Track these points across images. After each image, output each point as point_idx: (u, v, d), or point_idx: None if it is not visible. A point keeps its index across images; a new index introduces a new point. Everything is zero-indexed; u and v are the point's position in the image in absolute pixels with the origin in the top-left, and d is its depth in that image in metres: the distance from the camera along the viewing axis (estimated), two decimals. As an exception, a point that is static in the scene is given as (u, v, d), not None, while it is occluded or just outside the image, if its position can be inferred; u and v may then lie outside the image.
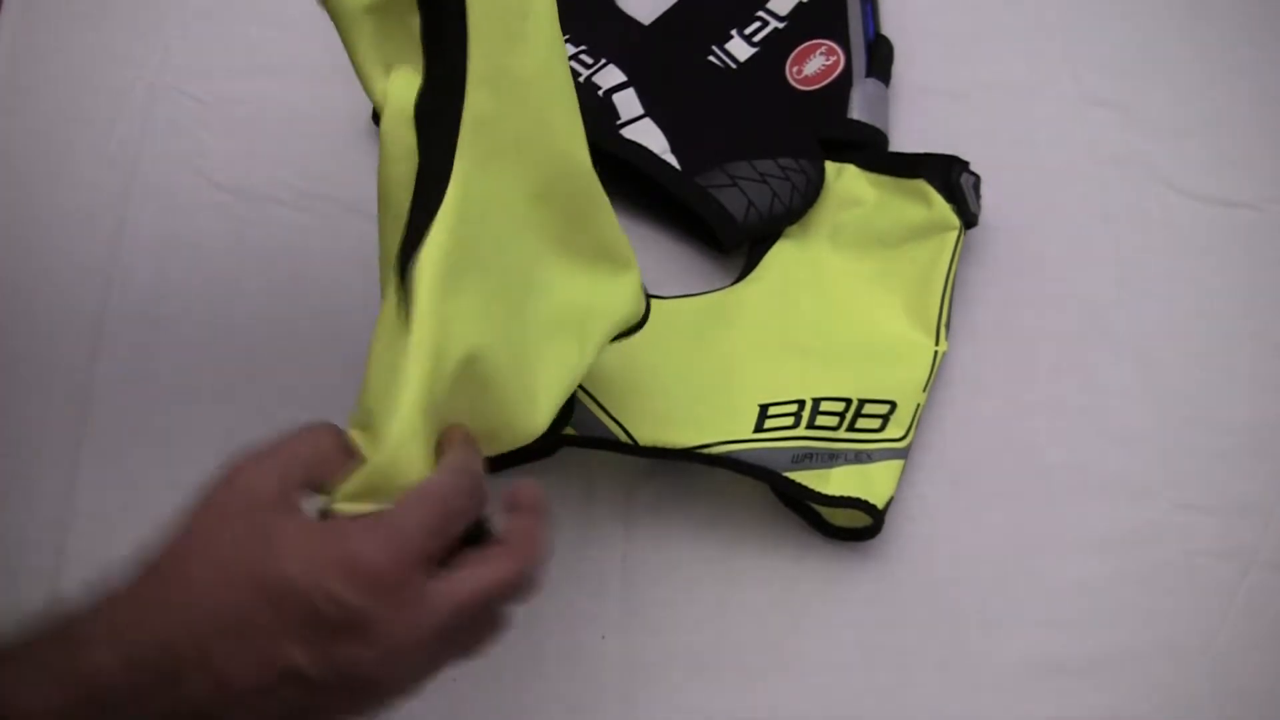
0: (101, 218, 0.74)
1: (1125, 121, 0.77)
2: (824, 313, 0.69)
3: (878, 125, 0.74)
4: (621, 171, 0.72)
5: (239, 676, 0.38)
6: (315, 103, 0.78)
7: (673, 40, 0.78)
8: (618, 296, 0.54)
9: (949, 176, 0.69)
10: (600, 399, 0.62)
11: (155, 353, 0.70)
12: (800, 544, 0.65)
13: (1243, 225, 0.74)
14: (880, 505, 0.62)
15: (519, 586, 0.43)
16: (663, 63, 0.75)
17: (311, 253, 0.73)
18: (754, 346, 0.66)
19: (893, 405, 0.64)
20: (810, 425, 0.62)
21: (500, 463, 0.67)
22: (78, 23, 0.81)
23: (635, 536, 0.65)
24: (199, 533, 0.41)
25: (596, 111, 0.72)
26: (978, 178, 0.70)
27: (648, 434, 0.61)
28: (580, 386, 0.61)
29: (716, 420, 0.62)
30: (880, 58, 0.76)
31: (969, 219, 0.69)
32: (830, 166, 0.72)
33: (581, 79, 0.74)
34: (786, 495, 0.64)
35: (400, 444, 0.42)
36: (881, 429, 0.63)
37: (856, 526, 0.63)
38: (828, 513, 0.64)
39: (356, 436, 0.43)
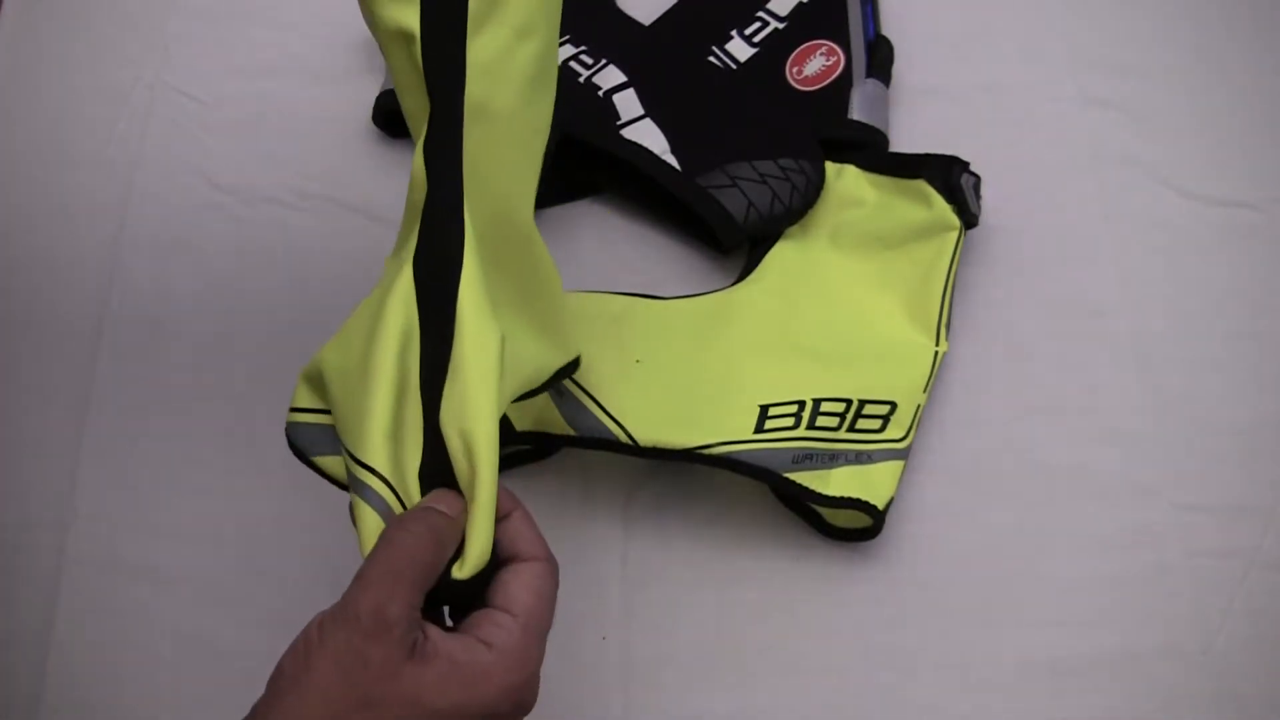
0: (101, 218, 0.74)
1: (1125, 121, 0.77)
2: (824, 313, 0.69)
3: (878, 126, 0.74)
4: (621, 172, 0.72)
5: None
6: (315, 103, 0.78)
7: (673, 40, 0.78)
8: (527, 355, 0.53)
9: (949, 177, 0.69)
10: (600, 399, 0.62)
11: (155, 353, 0.70)
12: (800, 544, 0.65)
13: (1243, 225, 0.74)
14: (880, 506, 0.62)
15: (555, 588, 0.47)
16: (663, 63, 0.76)
17: (311, 253, 0.73)
18: (754, 347, 0.66)
19: (893, 406, 0.64)
20: (810, 426, 0.62)
21: (500, 463, 0.67)
22: (78, 23, 0.81)
23: (635, 537, 0.65)
24: (318, 682, 0.40)
25: (596, 112, 0.72)
26: (978, 178, 0.70)
27: (648, 434, 0.61)
28: (580, 387, 0.61)
29: (716, 421, 0.62)
30: (880, 58, 0.76)
31: (969, 219, 0.69)
32: (830, 167, 0.72)
33: (581, 79, 0.74)
34: (787, 496, 0.64)
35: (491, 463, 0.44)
36: (882, 429, 0.63)
37: (857, 527, 0.63)
38: (828, 513, 0.64)
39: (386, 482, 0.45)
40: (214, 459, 0.68)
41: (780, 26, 0.77)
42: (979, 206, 0.70)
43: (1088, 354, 0.70)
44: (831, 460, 0.62)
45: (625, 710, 0.61)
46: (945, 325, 0.67)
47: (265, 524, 0.65)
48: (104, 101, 0.78)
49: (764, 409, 0.63)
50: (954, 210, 0.68)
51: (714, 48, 0.77)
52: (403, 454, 0.45)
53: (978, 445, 0.67)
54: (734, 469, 0.61)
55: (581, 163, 0.73)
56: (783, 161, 0.70)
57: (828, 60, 0.76)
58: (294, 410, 0.50)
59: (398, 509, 0.45)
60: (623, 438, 0.61)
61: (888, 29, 0.79)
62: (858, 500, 0.61)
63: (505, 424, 0.63)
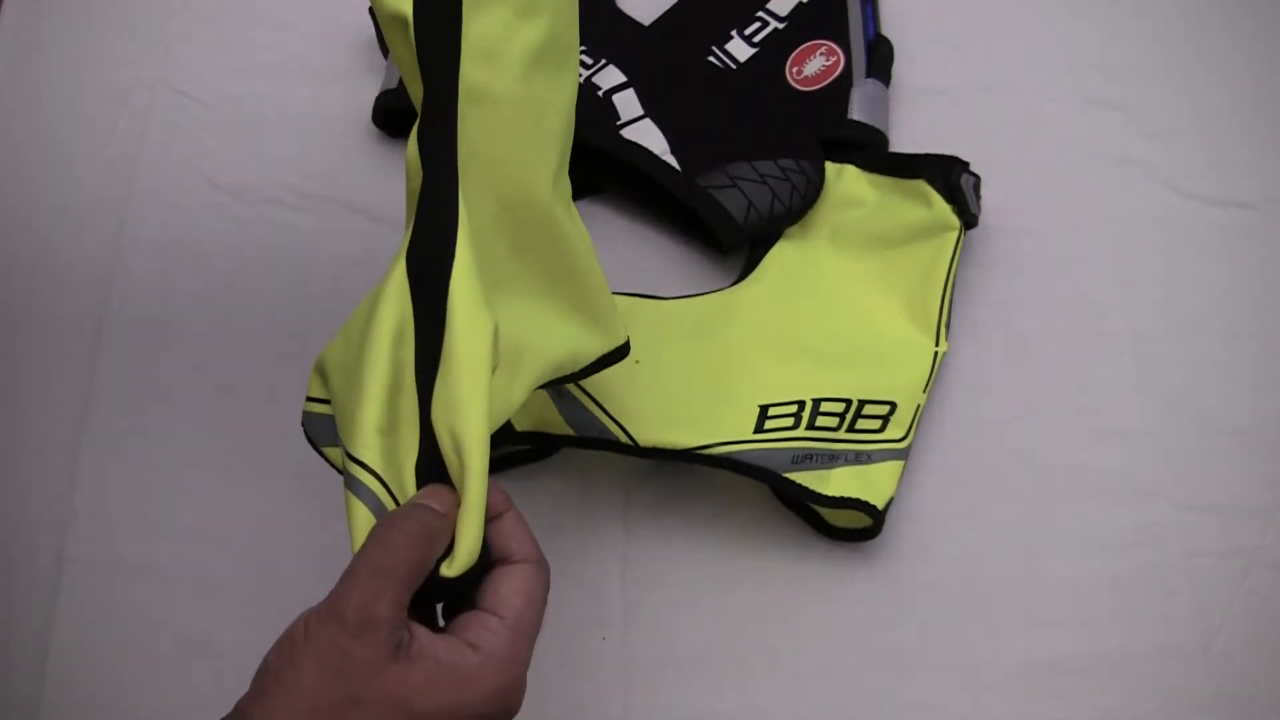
0: (101, 218, 0.74)
1: (1125, 121, 0.77)
2: (824, 313, 0.69)
3: (878, 126, 0.74)
4: (621, 172, 0.72)
5: None
6: (315, 103, 0.78)
7: (673, 40, 0.78)
8: (555, 339, 0.52)
9: (949, 177, 0.69)
10: (600, 400, 0.62)
11: (155, 353, 0.70)
12: (800, 544, 0.65)
13: (1243, 225, 0.74)
14: (880, 506, 0.62)
15: (546, 592, 0.46)
16: (663, 63, 0.75)
17: (311, 253, 0.73)
18: (754, 347, 0.66)
19: (893, 406, 0.64)
20: (810, 426, 0.62)
21: (498, 464, 0.67)
22: (78, 23, 0.81)
23: (635, 537, 0.65)
24: (302, 683, 0.40)
25: (596, 112, 0.72)
26: (978, 178, 0.70)
27: (648, 435, 0.61)
28: (580, 387, 0.61)
29: (716, 421, 0.62)
30: (880, 58, 0.76)
31: (969, 219, 0.69)
32: (830, 167, 0.72)
33: (582, 79, 0.74)
34: (786, 496, 0.64)
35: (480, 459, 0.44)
36: (882, 430, 0.63)
37: (857, 527, 0.63)
38: (828, 513, 0.64)
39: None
40: (214, 459, 0.68)
41: (780, 26, 0.77)
42: (979, 206, 0.70)
43: (1088, 354, 0.70)
44: (831, 460, 0.62)
45: (625, 710, 0.61)
46: (945, 325, 0.67)
47: (265, 524, 0.65)
48: (104, 101, 0.78)
49: (764, 409, 0.63)
50: (954, 210, 0.68)
51: (714, 48, 0.77)
52: (398, 449, 0.44)
53: (978, 445, 0.67)
54: (734, 469, 0.61)
55: (581, 163, 0.72)
56: (783, 162, 0.70)
57: (828, 60, 0.76)
58: (308, 400, 0.50)
59: (390, 505, 0.44)
60: (623, 438, 0.61)
61: (888, 29, 0.79)
62: (857, 500, 0.61)
63: (505, 424, 0.63)
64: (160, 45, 0.80)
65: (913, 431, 0.64)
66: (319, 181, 0.75)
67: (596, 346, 0.54)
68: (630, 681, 0.62)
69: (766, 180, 0.70)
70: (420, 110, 0.47)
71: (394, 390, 0.45)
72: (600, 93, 0.73)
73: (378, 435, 0.44)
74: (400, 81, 0.75)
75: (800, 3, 0.78)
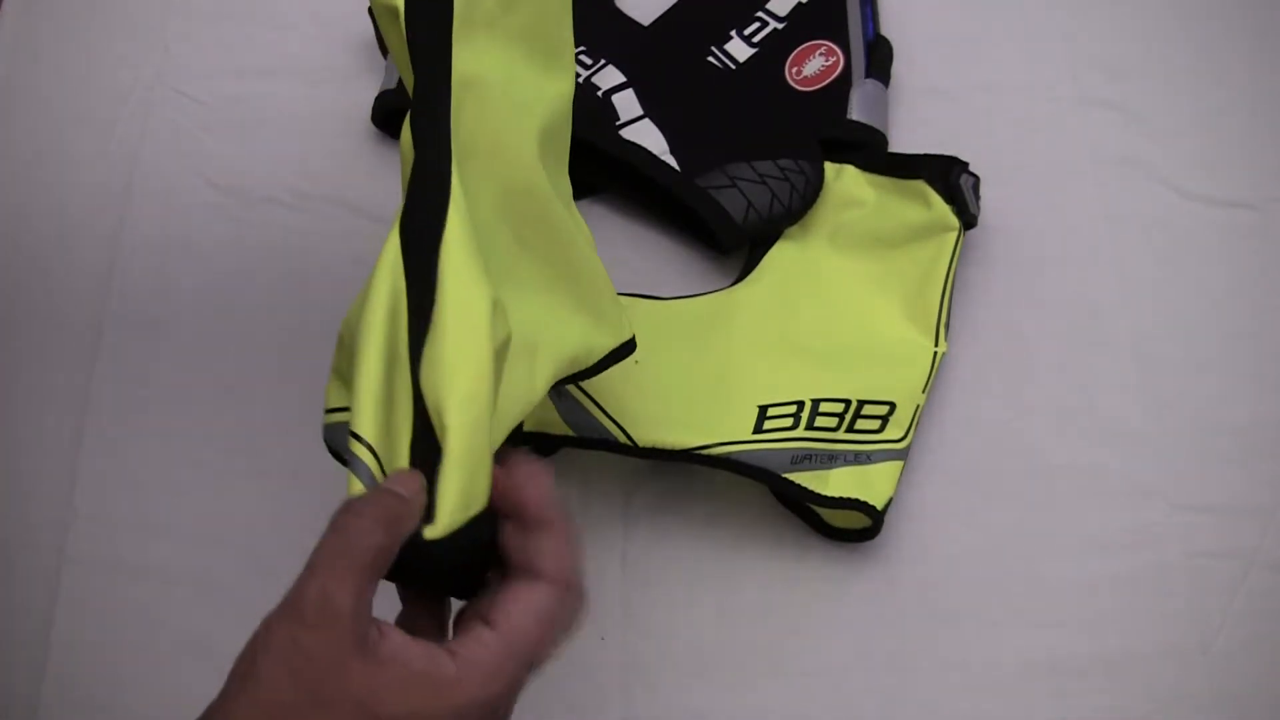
0: (101, 218, 0.74)
1: (1125, 121, 0.77)
2: (823, 314, 0.69)
3: (877, 126, 0.74)
4: (621, 172, 0.72)
5: None
6: (315, 103, 0.78)
7: (672, 41, 0.78)
8: (567, 333, 0.51)
9: (949, 177, 0.69)
10: (599, 400, 0.62)
11: (155, 353, 0.70)
12: (800, 545, 0.65)
13: (1243, 225, 0.74)
14: (880, 506, 0.62)
15: (569, 621, 0.42)
16: (662, 63, 0.75)
17: (311, 253, 0.73)
18: (753, 347, 0.66)
19: (892, 406, 0.64)
20: (809, 426, 0.62)
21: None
22: (78, 23, 0.81)
23: (634, 537, 0.65)
24: (268, 683, 0.38)
25: (596, 112, 0.72)
26: (977, 178, 0.70)
27: (646, 435, 0.61)
28: (579, 387, 0.61)
29: (715, 421, 0.62)
30: (880, 58, 0.76)
31: (969, 220, 0.69)
32: (830, 167, 0.72)
33: (581, 79, 0.74)
34: (786, 496, 0.64)
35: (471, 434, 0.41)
36: (881, 430, 0.63)
37: (856, 527, 0.63)
38: (827, 514, 0.64)
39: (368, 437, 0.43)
40: (214, 459, 0.68)
41: (780, 26, 0.77)
42: (978, 207, 0.70)
43: (1087, 354, 0.70)
44: (830, 460, 0.62)
45: (625, 710, 0.61)
46: (945, 325, 0.67)
47: (265, 524, 0.65)
48: (104, 101, 0.78)
49: (763, 409, 0.63)
50: (953, 210, 0.68)
51: (713, 48, 0.77)
52: (395, 424, 0.42)
53: (978, 445, 0.67)
54: (733, 469, 0.61)
55: (581, 163, 0.72)
56: (782, 162, 0.70)
57: (827, 60, 0.76)
58: (327, 411, 0.48)
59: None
60: (622, 438, 0.61)
61: (888, 29, 0.79)
62: (857, 500, 0.61)
63: None
64: (160, 45, 0.80)
65: (912, 432, 0.64)
66: (319, 181, 0.75)
67: (605, 342, 0.53)
68: (630, 681, 0.62)
69: (766, 180, 0.70)
70: (412, 97, 0.46)
71: (390, 364, 0.43)
72: (600, 93, 0.73)
73: (376, 408, 0.42)
74: (400, 81, 0.75)
75: (800, 3, 0.78)
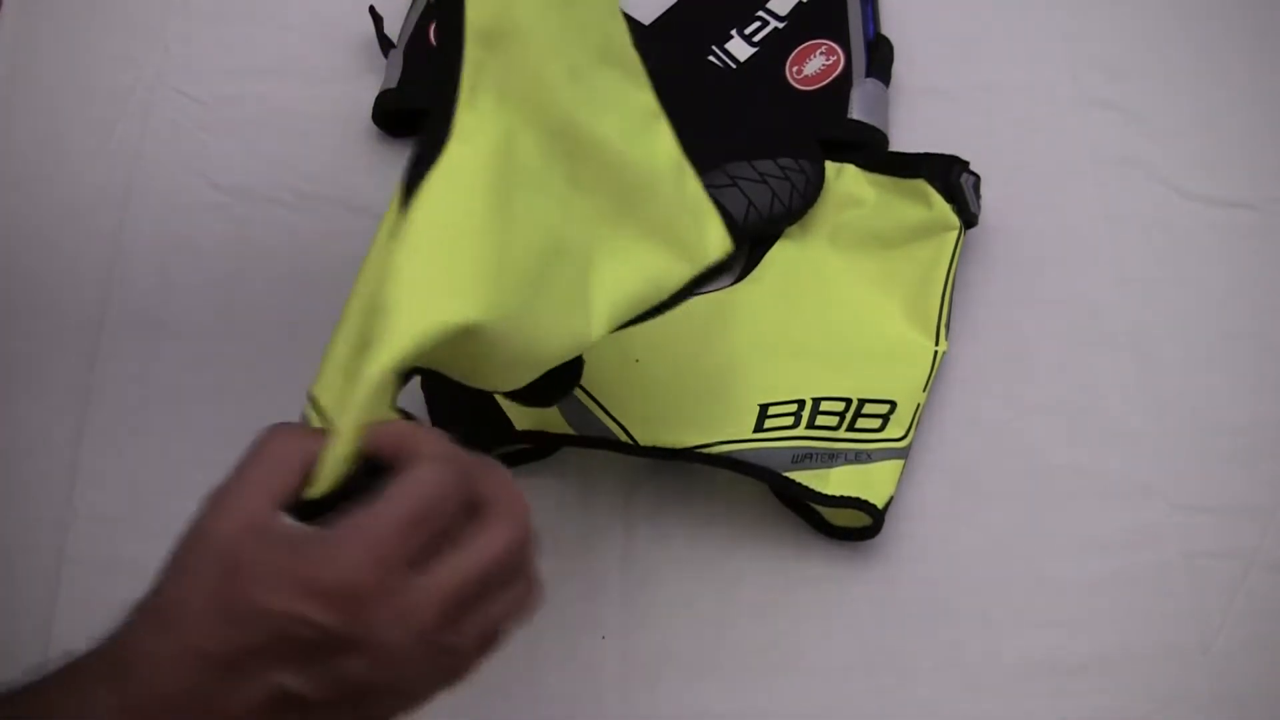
0: (101, 218, 0.74)
1: (1125, 121, 0.77)
2: (824, 313, 0.69)
3: (878, 125, 0.74)
4: (621, 171, 0.72)
5: (239, 712, 0.39)
6: (315, 103, 0.78)
7: (673, 40, 0.78)
8: (630, 269, 0.49)
9: (949, 176, 0.69)
10: (600, 399, 0.62)
11: (155, 353, 0.70)
12: (800, 544, 0.65)
13: (1243, 225, 0.74)
14: (880, 505, 0.62)
15: (512, 559, 0.41)
16: (663, 63, 0.75)
17: (311, 253, 0.73)
18: (754, 346, 0.66)
19: (893, 405, 0.64)
20: (810, 425, 0.62)
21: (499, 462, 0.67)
22: (78, 23, 0.81)
23: (635, 536, 0.65)
24: (176, 579, 0.40)
25: (596, 111, 0.72)
26: (977, 178, 0.70)
27: (647, 434, 0.61)
28: (580, 386, 0.61)
29: (716, 420, 0.62)
30: (880, 58, 0.76)
31: (969, 219, 0.69)
32: (830, 167, 0.72)
33: (581, 79, 0.74)
34: (786, 495, 0.64)
35: (362, 412, 0.41)
36: (881, 429, 0.63)
37: (856, 526, 0.63)
38: (828, 513, 0.64)
39: (321, 398, 0.43)
40: (214, 458, 0.67)
41: (780, 26, 0.77)
42: (979, 206, 0.70)
43: (1087, 354, 0.70)
44: (831, 459, 0.62)
45: (625, 710, 0.61)
46: (945, 325, 0.67)
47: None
48: (104, 101, 0.78)
49: (763, 408, 0.63)
50: (953, 210, 0.68)
51: (714, 47, 0.77)
52: (348, 396, 0.42)
53: (978, 445, 0.67)
54: (734, 468, 0.61)
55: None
56: (782, 161, 0.70)
57: (827, 60, 0.76)
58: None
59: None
60: (622, 437, 0.61)
61: (888, 29, 0.79)
62: (857, 499, 0.61)
63: (505, 424, 0.63)
64: (160, 45, 0.80)
65: (912, 431, 0.64)
66: (319, 181, 0.75)
67: (680, 272, 0.51)
68: (630, 681, 0.62)
69: (766, 179, 0.70)
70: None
71: (362, 337, 0.42)
72: (600, 92, 0.73)
73: (337, 374, 0.42)
74: (400, 81, 0.75)
75: (800, 2, 0.78)
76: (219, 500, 0.41)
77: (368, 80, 0.77)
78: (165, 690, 0.38)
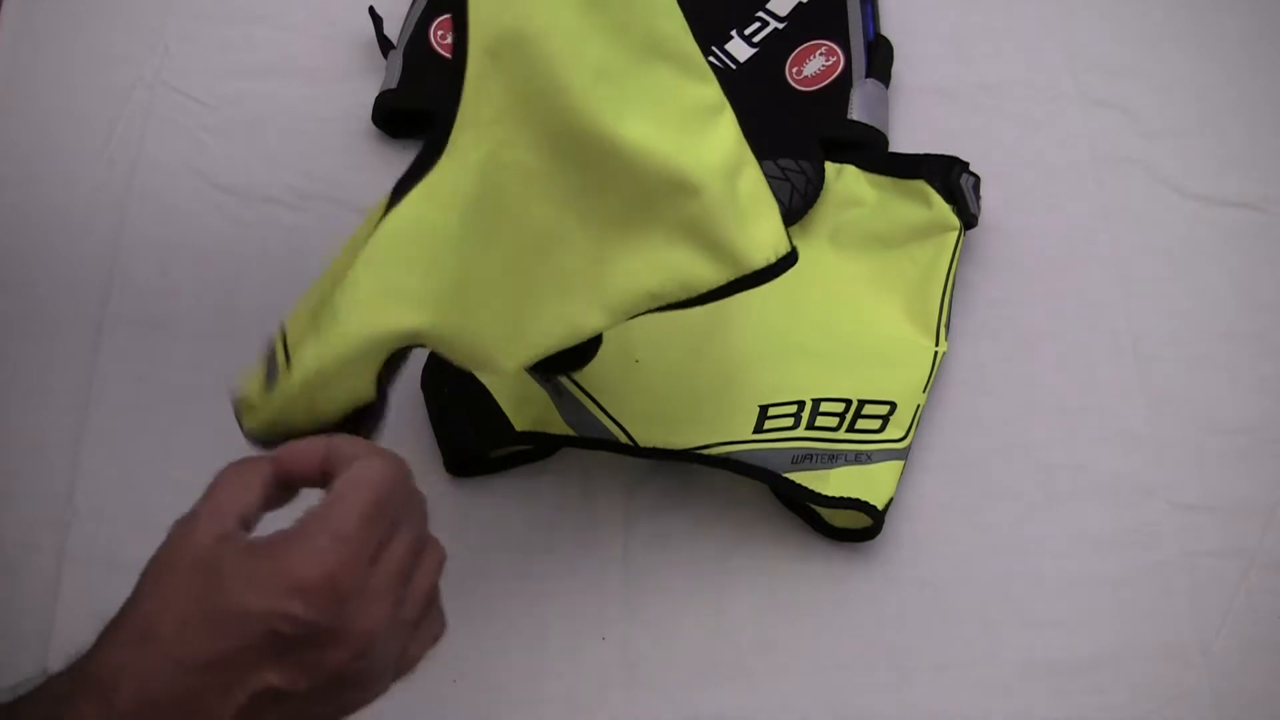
0: (101, 218, 0.74)
1: (1125, 121, 0.77)
2: (824, 313, 0.69)
3: (878, 126, 0.74)
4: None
5: (224, 712, 0.39)
6: (315, 103, 0.78)
7: (673, 40, 0.77)
8: (647, 267, 0.49)
9: (949, 177, 0.69)
10: (600, 400, 0.62)
11: (155, 352, 0.70)
12: (800, 544, 0.65)
13: (1243, 225, 0.74)
14: (880, 506, 0.62)
15: (391, 495, 0.43)
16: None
17: (311, 253, 0.72)
18: (754, 347, 0.66)
19: (893, 406, 0.64)
20: (810, 426, 0.62)
21: (498, 464, 0.67)
22: (78, 22, 0.81)
23: (635, 536, 0.65)
24: (153, 593, 0.41)
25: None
26: (978, 178, 0.70)
27: (647, 435, 0.61)
28: (580, 387, 0.61)
29: (716, 421, 0.62)
30: (880, 58, 0.76)
31: (969, 219, 0.69)
32: (830, 167, 0.72)
33: (581, 79, 0.74)
34: (786, 496, 0.64)
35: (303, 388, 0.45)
36: (881, 430, 0.63)
37: (857, 527, 0.63)
38: (828, 513, 0.64)
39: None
40: (214, 458, 0.67)
41: (780, 26, 0.77)
42: (979, 206, 0.70)
43: (1088, 354, 0.70)
44: (831, 460, 0.62)
45: (625, 709, 0.61)
46: (945, 325, 0.67)
47: (264, 523, 0.65)
48: (104, 101, 0.78)
49: (763, 409, 0.63)
50: (953, 210, 0.68)
51: (714, 47, 0.77)
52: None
53: (978, 445, 0.67)
54: (734, 469, 0.61)
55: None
56: (782, 161, 0.70)
57: (827, 60, 0.76)
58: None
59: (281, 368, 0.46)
60: (622, 438, 0.61)
61: (888, 29, 0.79)
62: (857, 500, 0.61)
63: (505, 424, 0.63)
64: (160, 45, 0.80)
65: (912, 431, 0.64)
66: (319, 181, 0.75)
67: (711, 274, 0.50)
68: (630, 681, 0.62)
69: (766, 180, 0.69)
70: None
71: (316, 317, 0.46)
72: (600, 93, 0.73)
73: (306, 318, 0.46)
74: (400, 81, 0.75)
75: (800, 3, 0.78)
76: (190, 522, 0.43)
77: (368, 80, 0.77)
78: (153, 700, 0.39)
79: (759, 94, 0.75)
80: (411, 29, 0.77)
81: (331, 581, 0.40)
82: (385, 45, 0.77)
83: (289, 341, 0.47)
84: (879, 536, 0.63)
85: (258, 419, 0.49)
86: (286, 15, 0.81)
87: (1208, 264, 0.73)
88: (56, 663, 0.63)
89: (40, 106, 0.78)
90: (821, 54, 0.76)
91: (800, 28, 0.77)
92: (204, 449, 0.68)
